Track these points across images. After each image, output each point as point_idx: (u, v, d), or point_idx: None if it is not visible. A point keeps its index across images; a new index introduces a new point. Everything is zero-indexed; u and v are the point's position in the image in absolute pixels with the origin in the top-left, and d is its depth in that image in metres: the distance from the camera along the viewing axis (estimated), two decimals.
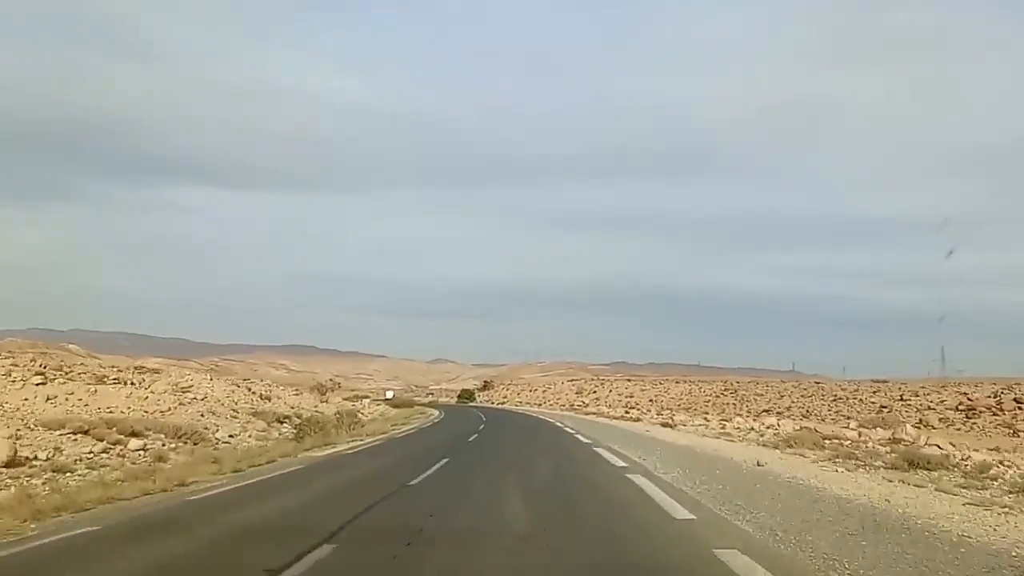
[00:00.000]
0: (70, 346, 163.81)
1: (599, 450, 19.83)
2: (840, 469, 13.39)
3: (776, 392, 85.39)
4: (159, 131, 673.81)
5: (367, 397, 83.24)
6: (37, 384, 22.88)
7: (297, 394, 50.73)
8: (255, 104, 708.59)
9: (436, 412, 57.93)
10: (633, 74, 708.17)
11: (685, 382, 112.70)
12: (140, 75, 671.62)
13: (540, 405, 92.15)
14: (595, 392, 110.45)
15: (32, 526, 8.45)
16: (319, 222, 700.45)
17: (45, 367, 25.65)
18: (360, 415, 39.79)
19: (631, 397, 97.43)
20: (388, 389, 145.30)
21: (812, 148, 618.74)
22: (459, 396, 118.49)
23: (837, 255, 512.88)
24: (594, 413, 57.99)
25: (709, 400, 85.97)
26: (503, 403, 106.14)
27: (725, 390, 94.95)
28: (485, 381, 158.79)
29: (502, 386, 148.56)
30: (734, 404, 79.81)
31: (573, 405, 79.33)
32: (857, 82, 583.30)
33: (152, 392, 26.74)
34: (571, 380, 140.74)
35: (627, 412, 55.86)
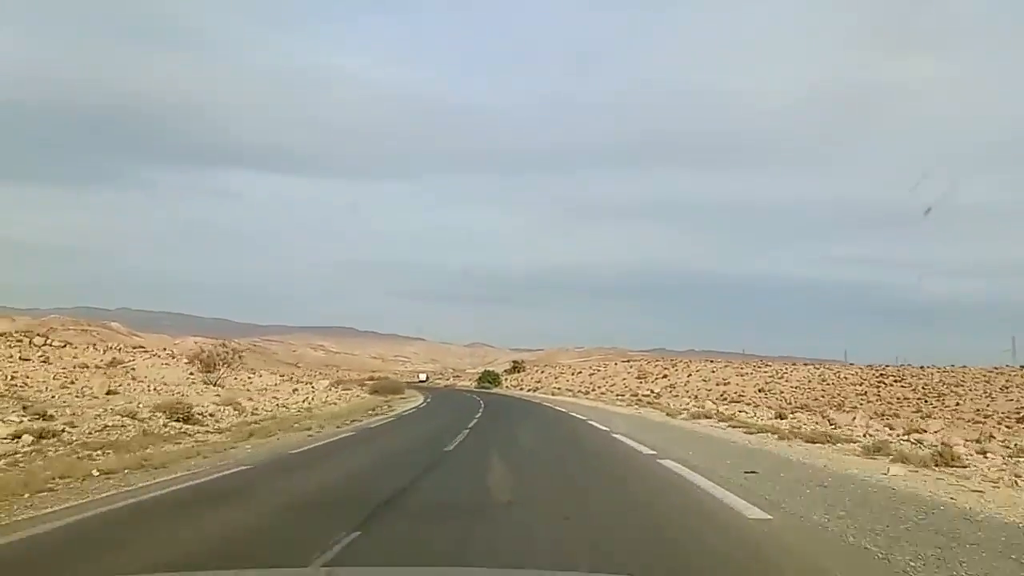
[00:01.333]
0: (112, 324, 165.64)
1: None
2: None
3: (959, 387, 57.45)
4: (207, 118, 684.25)
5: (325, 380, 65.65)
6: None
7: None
8: (302, 91, 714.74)
9: (415, 404, 39.36)
10: (675, 62, 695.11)
11: (804, 365, 76.68)
12: (190, 63, 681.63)
13: (587, 394, 65.55)
14: (665, 376, 79.97)
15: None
16: (362, 208, 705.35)
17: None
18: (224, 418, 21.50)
19: (726, 384, 69.47)
20: (422, 372, 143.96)
21: (860, 135, 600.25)
22: (480, 379, 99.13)
23: (886, 243, 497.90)
24: (704, 416, 26.50)
25: (860, 394, 59.37)
26: (536, 388, 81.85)
27: (866, 381, 64.91)
28: (515, 362, 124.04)
29: (536, 369, 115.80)
30: (921, 401, 54.25)
31: (639, 396, 51.10)
32: (910, 68, 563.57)
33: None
34: (625, 361, 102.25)
35: (767, 415, 27.01)
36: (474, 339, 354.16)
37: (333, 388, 49.60)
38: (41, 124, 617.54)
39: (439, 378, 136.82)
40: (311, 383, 54.43)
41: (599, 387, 77.45)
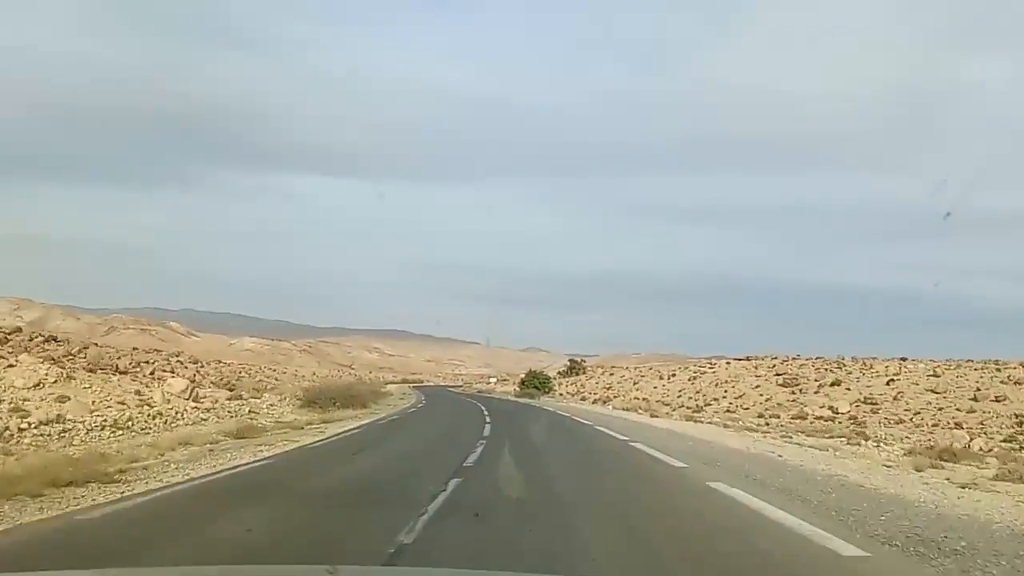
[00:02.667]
0: (171, 324, 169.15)
1: None
2: None
3: None
4: (271, 121, 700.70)
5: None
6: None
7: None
8: (364, 94, 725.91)
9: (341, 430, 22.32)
10: (739, 61, 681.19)
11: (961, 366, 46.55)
12: (254, 67, 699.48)
13: (722, 413, 39.66)
14: (845, 386, 45.14)
15: None
16: (421, 210, 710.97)
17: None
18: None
19: (975, 400, 38.73)
20: (491, 377, 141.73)
21: (927, 137, 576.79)
22: (524, 383, 67.81)
23: (951, 248, 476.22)
24: None
25: None
26: (606, 399, 56.23)
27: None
28: (572, 361, 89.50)
29: (600, 372, 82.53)
30: None
31: (855, 423, 32.62)
32: (978, 68, 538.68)
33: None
34: (743, 360, 60.14)
35: None
36: (529, 343, 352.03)
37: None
38: (112, 128, 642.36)
39: (479, 382, 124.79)
40: (161, 383, 31.43)
41: (719, 399, 48.60)
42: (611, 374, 78.17)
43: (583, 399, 58.41)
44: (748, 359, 59.68)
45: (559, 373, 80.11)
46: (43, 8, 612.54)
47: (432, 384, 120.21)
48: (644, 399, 50.83)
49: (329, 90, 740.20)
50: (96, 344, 59.35)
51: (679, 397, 52.44)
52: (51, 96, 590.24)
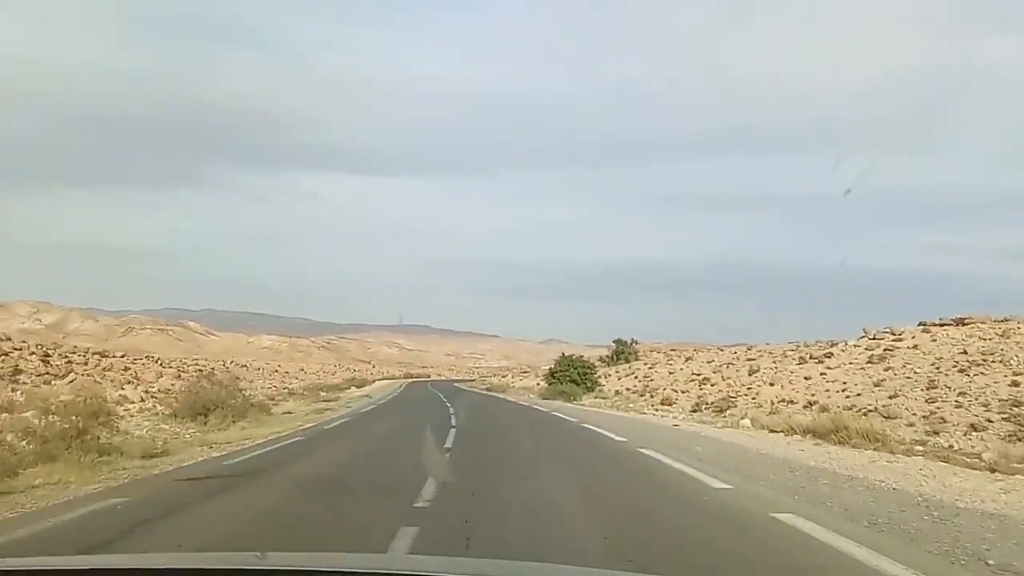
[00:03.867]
0: (190, 324, 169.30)
1: None
2: None
3: None
4: (287, 120, 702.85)
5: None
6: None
7: None
8: (380, 92, 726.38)
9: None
10: (754, 49, 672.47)
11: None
12: (271, 67, 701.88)
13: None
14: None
15: None
16: (437, 206, 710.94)
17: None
18: None
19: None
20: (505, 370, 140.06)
21: (947, 119, 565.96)
22: (553, 375, 45.57)
23: (974, 231, 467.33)
24: None
25: None
26: (722, 407, 26.30)
27: None
28: (619, 343, 60.84)
29: (662, 355, 54.56)
30: None
31: None
32: (1006, 47, 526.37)
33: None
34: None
35: None
36: (549, 335, 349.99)
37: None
38: (130, 132, 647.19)
39: (497, 375, 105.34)
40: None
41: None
42: (681, 361, 45.09)
43: (664, 403, 30.29)
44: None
45: (600, 360, 55.39)
46: (60, 17, 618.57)
47: (440, 379, 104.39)
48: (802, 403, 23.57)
49: (345, 88, 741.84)
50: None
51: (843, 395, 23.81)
52: (70, 103, 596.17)
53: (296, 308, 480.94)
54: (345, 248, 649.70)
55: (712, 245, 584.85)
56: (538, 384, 53.39)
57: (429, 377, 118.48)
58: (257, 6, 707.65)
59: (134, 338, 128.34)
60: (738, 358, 38.09)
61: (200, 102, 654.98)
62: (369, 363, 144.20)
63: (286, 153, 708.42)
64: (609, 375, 47.39)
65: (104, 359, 46.17)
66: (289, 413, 27.58)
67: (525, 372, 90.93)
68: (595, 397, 37.81)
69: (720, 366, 36.95)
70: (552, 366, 45.66)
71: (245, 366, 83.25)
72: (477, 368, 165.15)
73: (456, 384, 79.87)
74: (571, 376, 41.64)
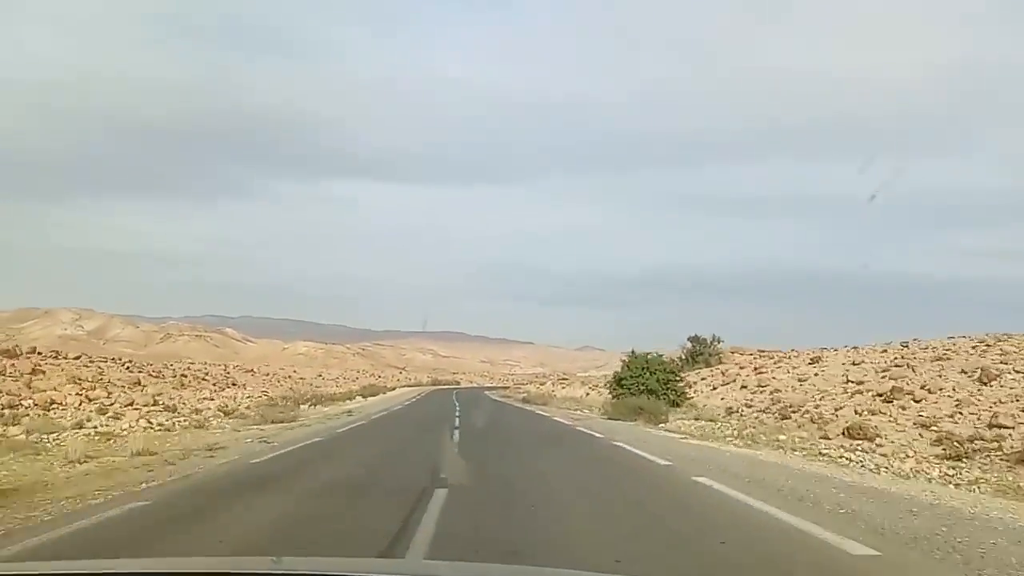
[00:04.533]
0: (227, 330, 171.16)
1: None
2: None
3: None
4: (324, 129, 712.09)
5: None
6: None
7: None
8: (412, 99, 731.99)
9: None
10: (792, 49, 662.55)
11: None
12: (306, 75, 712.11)
13: None
14: None
15: None
16: (471, 213, 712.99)
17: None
18: None
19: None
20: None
21: (991, 118, 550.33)
22: (619, 384, 31.06)
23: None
24: None
25: None
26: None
27: None
28: (695, 341, 44.91)
29: (748, 357, 41.64)
30: None
31: None
32: None
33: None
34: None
35: None
36: (583, 342, 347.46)
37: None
38: (171, 140, 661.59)
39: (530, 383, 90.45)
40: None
41: None
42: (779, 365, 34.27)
43: (853, 437, 15.89)
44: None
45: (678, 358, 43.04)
46: (104, 31, 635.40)
47: (470, 387, 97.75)
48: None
49: (380, 96, 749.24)
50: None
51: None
52: (113, 115, 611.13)
53: (333, 315, 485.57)
54: (380, 255, 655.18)
55: (751, 248, 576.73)
56: (588, 393, 45.40)
57: (458, 384, 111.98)
58: (292, 16, 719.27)
59: (172, 344, 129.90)
60: (898, 359, 24.55)
61: (239, 112, 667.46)
62: (403, 369, 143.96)
63: (322, 161, 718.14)
64: (693, 383, 34.41)
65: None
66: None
67: (563, 379, 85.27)
68: (691, 418, 24.23)
69: (885, 369, 23.11)
70: (620, 370, 31.82)
71: (267, 373, 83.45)
72: (511, 375, 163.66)
73: (487, 392, 69.52)
74: (647, 383, 29.08)
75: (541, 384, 76.48)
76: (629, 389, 29.30)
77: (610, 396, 31.56)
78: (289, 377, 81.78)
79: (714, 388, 33.28)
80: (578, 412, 31.74)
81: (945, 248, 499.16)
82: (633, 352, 32.01)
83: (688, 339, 45.46)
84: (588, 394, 45.14)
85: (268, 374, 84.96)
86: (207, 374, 64.44)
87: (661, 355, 31.97)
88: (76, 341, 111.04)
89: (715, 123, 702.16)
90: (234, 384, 58.64)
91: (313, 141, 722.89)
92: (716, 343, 45.02)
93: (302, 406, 32.16)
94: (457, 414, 27.79)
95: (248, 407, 29.56)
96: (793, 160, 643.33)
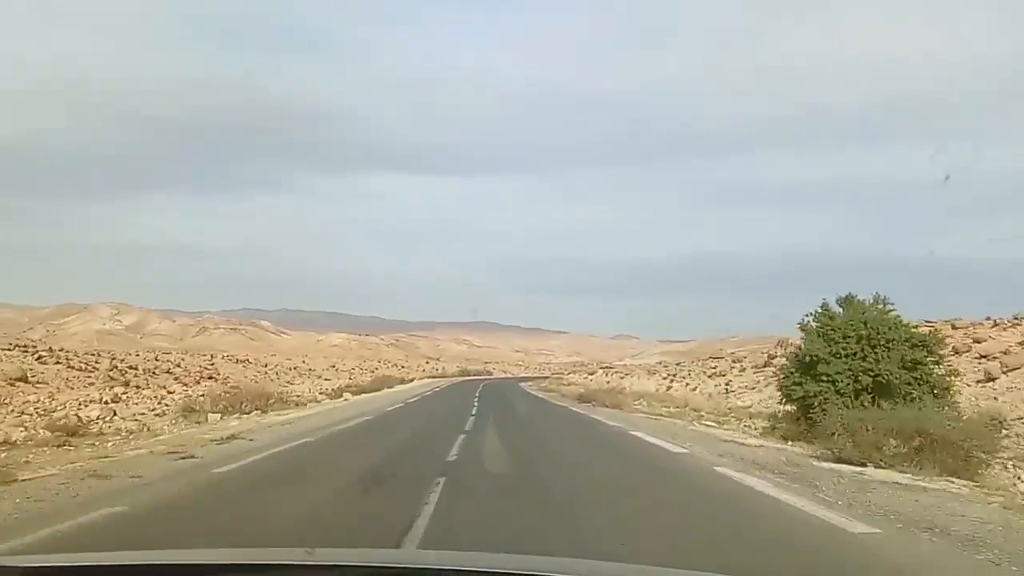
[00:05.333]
0: (262, 323, 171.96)
1: None
2: None
3: None
4: (354, 123, 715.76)
5: None
6: None
7: None
8: (443, 92, 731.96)
9: None
10: (823, 35, 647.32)
11: None
12: (333, 71, 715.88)
13: None
14: None
15: None
16: (505, 204, 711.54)
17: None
18: None
19: None
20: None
21: None
22: (804, 368, 16.52)
23: None
24: None
25: None
26: None
27: None
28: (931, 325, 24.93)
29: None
30: None
31: None
32: None
33: None
34: None
35: None
36: (618, 331, 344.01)
37: None
38: (207, 137, 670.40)
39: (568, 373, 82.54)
40: None
41: None
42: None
43: None
44: None
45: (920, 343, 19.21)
46: (140, 32, 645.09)
47: (502, 378, 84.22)
48: None
49: (411, 90, 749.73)
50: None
51: None
52: (150, 113, 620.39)
53: (368, 307, 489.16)
54: (414, 247, 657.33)
55: (784, 237, 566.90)
56: (669, 388, 35.41)
57: (489, 374, 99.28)
58: (318, 12, 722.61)
59: (207, 338, 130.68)
60: None
61: (274, 108, 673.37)
62: (438, 360, 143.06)
63: (357, 155, 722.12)
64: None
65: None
66: None
67: (606, 366, 75.10)
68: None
69: None
70: (804, 343, 17.25)
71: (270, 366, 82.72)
72: (548, 364, 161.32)
73: (523, 385, 56.88)
74: (878, 369, 15.82)
75: (591, 373, 63.38)
76: (834, 383, 15.77)
77: (783, 398, 17.92)
78: (295, 368, 79.84)
79: (984, 380, 22.50)
80: (725, 438, 16.12)
81: (989, 235, 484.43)
82: (848, 297, 17.25)
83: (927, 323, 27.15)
84: (670, 389, 36.30)
85: (266, 365, 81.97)
86: (179, 366, 62.11)
87: (893, 310, 16.86)
88: (113, 336, 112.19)
89: (752, 110, 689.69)
90: (210, 378, 54.69)
91: (347, 136, 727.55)
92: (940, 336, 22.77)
93: (240, 411, 21.46)
94: (464, 432, 16.54)
95: (163, 412, 23.12)
96: (831, 147, 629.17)
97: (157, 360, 66.38)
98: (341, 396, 34.87)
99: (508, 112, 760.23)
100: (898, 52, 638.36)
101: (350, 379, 59.80)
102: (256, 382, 45.81)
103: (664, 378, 44.55)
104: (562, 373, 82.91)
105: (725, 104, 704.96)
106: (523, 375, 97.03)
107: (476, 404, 27.76)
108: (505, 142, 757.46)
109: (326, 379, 61.44)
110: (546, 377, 74.25)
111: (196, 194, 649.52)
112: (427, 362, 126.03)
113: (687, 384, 40.20)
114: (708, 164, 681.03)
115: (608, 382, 46.78)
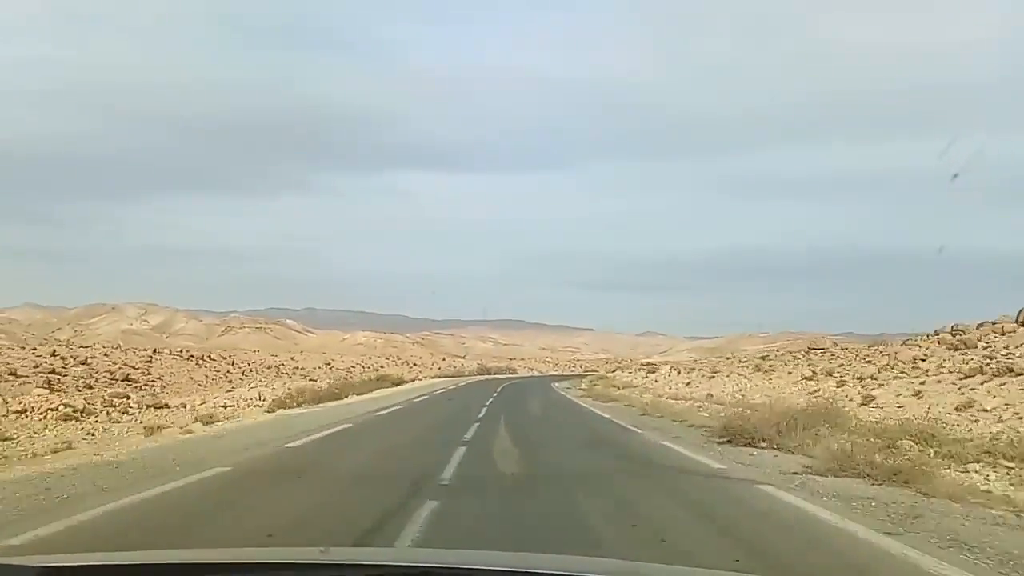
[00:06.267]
0: (287, 322, 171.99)
1: None
2: None
3: None
4: (383, 122, 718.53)
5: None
6: None
7: None
8: (465, 89, 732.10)
9: None
10: (852, 23, 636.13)
11: None
12: (361, 71, 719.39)
13: None
14: None
15: None
16: (528, 200, 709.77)
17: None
18: None
19: None
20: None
21: None
22: None
23: None
24: None
25: None
26: None
27: None
28: None
29: None
30: None
31: None
32: None
33: None
34: None
35: None
36: (644, 327, 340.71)
37: None
38: (233, 137, 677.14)
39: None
40: None
41: None
42: None
43: None
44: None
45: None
46: (170, 34, 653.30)
47: (528, 377, 72.29)
48: None
49: (434, 87, 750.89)
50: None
51: None
52: (174, 114, 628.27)
53: (394, 305, 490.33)
54: (440, 245, 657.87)
55: (813, 231, 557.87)
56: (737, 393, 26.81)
57: (514, 372, 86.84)
58: (344, 10, 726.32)
59: (232, 337, 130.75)
60: None
61: (299, 108, 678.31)
62: (463, 357, 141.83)
63: (382, 154, 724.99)
64: None
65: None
66: None
67: (636, 363, 65.54)
68: None
69: None
70: None
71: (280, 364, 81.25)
72: (578, 360, 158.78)
73: (556, 386, 45.36)
74: None
75: (640, 368, 50.73)
76: None
77: None
78: (275, 367, 74.87)
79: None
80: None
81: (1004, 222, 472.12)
82: None
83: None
84: (740, 394, 26.87)
85: (232, 362, 74.38)
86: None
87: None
88: (138, 335, 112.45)
89: (778, 102, 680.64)
90: (127, 379, 51.29)
91: (371, 135, 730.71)
92: None
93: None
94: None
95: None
96: (859, 138, 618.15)
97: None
98: (299, 406, 24.15)
99: (531, 108, 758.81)
100: (919, 41, 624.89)
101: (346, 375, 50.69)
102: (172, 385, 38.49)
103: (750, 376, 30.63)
104: (591, 370, 74.46)
105: (754, 95, 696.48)
106: (553, 373, 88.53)
107: (477, 421, 18.03)
108: (529, 138, 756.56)
109: (311, 379, 49.15)
110: (582, 375, 64.47)
111: (226, 195, 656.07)
112: (444, 359, 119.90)
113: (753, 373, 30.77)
114: (736, 158, 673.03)
115: (687, 384, 33.92)
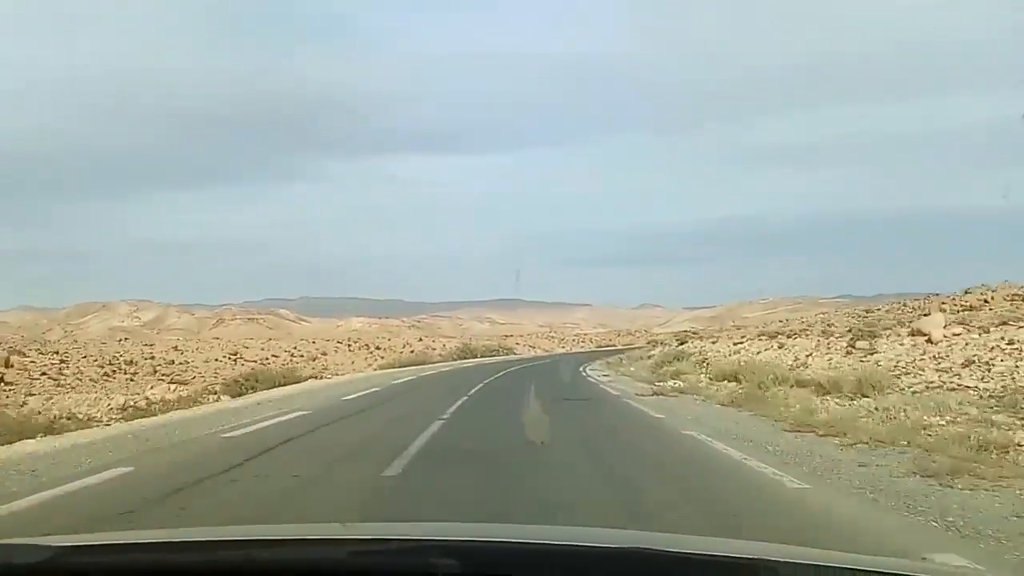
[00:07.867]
0: (281, 311, 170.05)
1: None
2: None
3: None
4: (370, 106, 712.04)
5: None
6: None
7: None
8: (457, 70, 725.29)
9: None
10: None
11: None
12: (348, 54, 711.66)
13: None
14: None
15: None
16: (522, 180, 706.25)
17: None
18: None
19: None
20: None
21: None
22: None
23: None
24: None
25: None
26: None
27: None
28: None
29: None
30: None
31: None
32: None
33: None
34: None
35: None
36: (642, 300, 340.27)
37: None
38: (222, 127, 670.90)
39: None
40: None
41: None
42: None
43: None
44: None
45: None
46: (156, 26, 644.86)
47: (528, 360, 51.37)
48: None
49: (424, 69, 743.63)
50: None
51: None
52: (166, 106, 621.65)
53: (389, 290, 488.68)
54: (433, 228, 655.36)
55: (805, 197, 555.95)
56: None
57: (511, 352, 66.28)
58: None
59: (224, 329, 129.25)
60: None
61: (287, 96, 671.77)
62: (460, 339, 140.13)
63: (371, 139, 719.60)
64: None
65: None
66: None
67: (647, 338, 55.99)
68: None
69: None
70: None
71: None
72: (581, 335, 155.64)
73: (598, 377, 26.41)
74: None
75: (704, 338, 37.49)
76: None
77: None
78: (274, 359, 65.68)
79: None
80: None
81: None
82: None
83: None
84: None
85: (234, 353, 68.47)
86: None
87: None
88: (126, 332, 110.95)
89: (774, 67, 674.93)
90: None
91: (359, 118, 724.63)
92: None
93: None
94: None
95: None
96: (851, 103, 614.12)
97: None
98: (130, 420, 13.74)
99: (523, 86, 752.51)
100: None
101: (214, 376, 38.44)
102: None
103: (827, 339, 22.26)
104: (606, 346, 61.13)
105: (743, 63, 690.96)
106: (563, 351, 74.44)
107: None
108: (521, 115, 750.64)
109: (219, 369, 41.11)
110: (614, 351, 48.76)
111: (215, 187, 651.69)
112: (434, 341, 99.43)
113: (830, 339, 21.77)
114: (728, 127, 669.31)
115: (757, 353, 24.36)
